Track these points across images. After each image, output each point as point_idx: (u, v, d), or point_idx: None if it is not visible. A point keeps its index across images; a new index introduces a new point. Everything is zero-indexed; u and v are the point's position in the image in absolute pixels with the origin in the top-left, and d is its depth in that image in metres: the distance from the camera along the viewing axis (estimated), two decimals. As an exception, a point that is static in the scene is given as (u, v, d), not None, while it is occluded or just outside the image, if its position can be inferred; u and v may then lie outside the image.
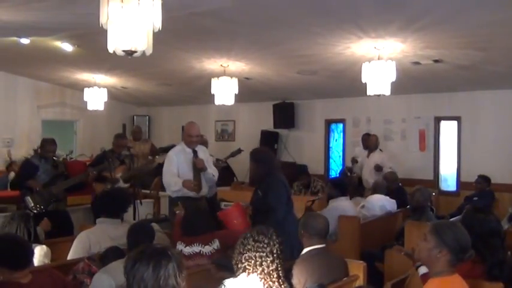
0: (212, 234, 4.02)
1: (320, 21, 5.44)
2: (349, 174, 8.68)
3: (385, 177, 7.25)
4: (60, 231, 5.19)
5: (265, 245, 2.83)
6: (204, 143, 7.84)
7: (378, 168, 7.84)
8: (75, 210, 6.73)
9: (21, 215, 3.96)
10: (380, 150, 8.40)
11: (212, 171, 5.48)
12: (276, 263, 2.82)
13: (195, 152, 5.40)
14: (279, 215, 4.44)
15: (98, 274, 3.13)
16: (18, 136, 10.39)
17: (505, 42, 5.85)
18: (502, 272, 3.25)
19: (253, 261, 2.78)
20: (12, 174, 8.57)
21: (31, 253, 3.06)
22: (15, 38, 6.81)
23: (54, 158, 6.26)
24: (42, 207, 5.73)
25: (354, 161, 8.61)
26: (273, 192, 4.54)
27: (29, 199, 5.73)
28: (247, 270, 2.78)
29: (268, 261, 2.79)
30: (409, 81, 7.61)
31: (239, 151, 7.32)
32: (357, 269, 3.63)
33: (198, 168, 5.35)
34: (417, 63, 6.88)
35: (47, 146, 6.11)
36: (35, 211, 5.60)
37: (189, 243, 3.89)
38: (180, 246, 3.89)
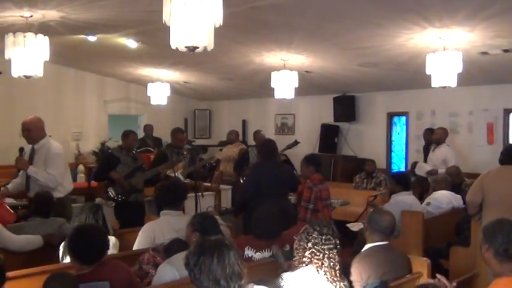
0: (282, 236, 3.78)
1: (381, 11, 5.31)
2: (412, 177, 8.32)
3: (448, 173, 6.98)
4: (141, 222, 5.35)
5: (331, 237, 2.82)
6: (260, 138, 7.86)
7: (431, 173, 7.44)
8: (152, 202, 6.91)
9: (91, 206, 4.10)
10: (447, 145, 8.00)
11: (35, 170, 5.07)
12: (339, 256, 2.81)
13: (21, 150, 5.23)
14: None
15: (162, 265, 3.21)
16: (86, 130, 10.83)
17: None
18: None
19: (321, 255, 2.78)
20: (81, 167, 8.94)
21: (105, 251, 3.10)
22: (83, 36, 7.06)
23: (133, 150, 6.45)
24: (123, 197, 5.99)
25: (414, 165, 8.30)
26: None
27: (111, 190, 6.00)
28: (313, 264, 2.77)
29: (334, 254, 2.79)
30: (476, 72, 7.30)
31: (296, 143, 7.26)
32: (421, 265, 3.55)
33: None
34: (485, 53, 6.60)
35: (131, 137, 6.31)
36: (118, 200, 5.94)
37: (259, 248, 3.62)
38: (249, 252, 3.63)
